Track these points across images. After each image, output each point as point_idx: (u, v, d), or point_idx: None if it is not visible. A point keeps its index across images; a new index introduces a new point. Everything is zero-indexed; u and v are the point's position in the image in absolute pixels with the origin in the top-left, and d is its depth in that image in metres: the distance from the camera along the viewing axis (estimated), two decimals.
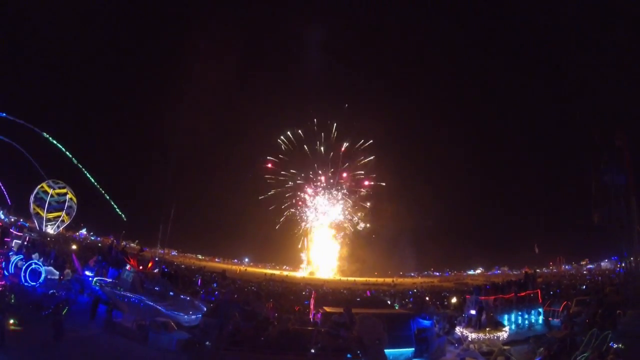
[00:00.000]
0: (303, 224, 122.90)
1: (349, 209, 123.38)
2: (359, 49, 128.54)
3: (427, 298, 57.46)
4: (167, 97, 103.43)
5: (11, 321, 24.62)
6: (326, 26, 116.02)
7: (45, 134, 66.43)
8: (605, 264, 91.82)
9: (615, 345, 23.78)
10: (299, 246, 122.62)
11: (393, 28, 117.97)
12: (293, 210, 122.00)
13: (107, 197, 72.90)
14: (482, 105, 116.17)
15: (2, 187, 66.38)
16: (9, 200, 65.93)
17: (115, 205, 73.72)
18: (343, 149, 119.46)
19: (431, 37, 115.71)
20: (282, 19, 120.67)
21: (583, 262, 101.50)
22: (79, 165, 69.54)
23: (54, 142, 67.74)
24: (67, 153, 68.29)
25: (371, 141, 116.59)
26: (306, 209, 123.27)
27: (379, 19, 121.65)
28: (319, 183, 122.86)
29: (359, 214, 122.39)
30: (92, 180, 71.09)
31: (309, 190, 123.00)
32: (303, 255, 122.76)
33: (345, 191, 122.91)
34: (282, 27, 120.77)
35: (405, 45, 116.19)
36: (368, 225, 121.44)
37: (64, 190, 68.91)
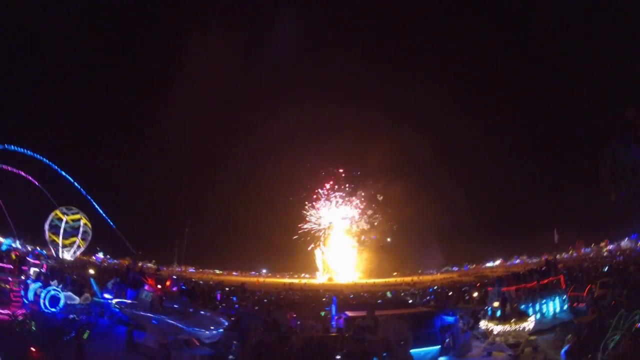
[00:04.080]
0: (319, 230, 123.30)
1: (366, 211, 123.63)
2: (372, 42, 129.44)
3: (449, 294, 57.03)
4: (180, 111, 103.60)
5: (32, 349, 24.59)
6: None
7: (54, 165, 66.80)
8: (625, 243, 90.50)
9: None
10: (314, 251, 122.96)
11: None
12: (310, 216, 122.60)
13: (119, 232, 73.09)
14: (492, 91, 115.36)
15: (8, 218, 66.34)
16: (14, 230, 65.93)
17: (126, 241, 73.89)
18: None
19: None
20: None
21: (602, 244, 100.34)
22: (89, 197, 69.85)
23: (63, 173, 68.11)
24: (76, 184, 68.72)
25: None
26: (323, 213, 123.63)
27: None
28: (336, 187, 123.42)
29: (377, 216, 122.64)
30: (102, 214, 71.33)
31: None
32: (319, 262, 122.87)
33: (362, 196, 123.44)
34: None
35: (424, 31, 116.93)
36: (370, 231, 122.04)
37: (78, 216, 69.42)
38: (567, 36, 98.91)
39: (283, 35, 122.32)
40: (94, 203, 70.25)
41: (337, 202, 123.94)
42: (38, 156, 64.50)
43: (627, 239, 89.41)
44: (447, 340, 30.00)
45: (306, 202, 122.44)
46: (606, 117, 36.99)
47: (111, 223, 71.87)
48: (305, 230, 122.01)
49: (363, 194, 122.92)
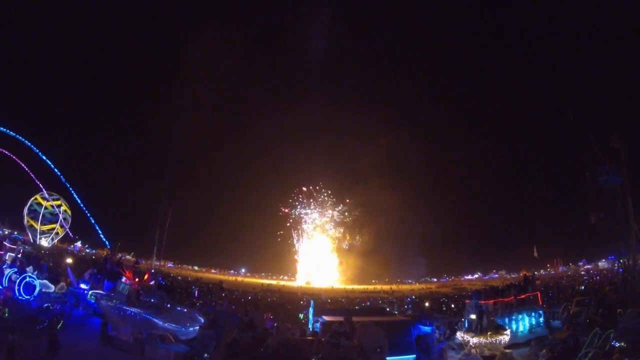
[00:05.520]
0: (299, 237, 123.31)
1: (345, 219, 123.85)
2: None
3: (427, 304, 57.20)
4: (163, 106, 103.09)
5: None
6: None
7: (35, 148, 65.37)
8: (602, 263, 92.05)
9: (617, 344, 23.62)
10: (295, 256, 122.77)
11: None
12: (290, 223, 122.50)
13: (93, 221, 71.69)
14: (476, 109, 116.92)
15: None
16: None
17: (100, 232, 72.46)
18: None
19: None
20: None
21: (580, 263, 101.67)
22: (67, 184, 68.41)
23: (44, 158, 66.67)
24: (56, 170, 67.23)
25: None
26: (303, 219, 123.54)
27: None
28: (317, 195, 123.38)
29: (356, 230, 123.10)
30: (80, 203, 70.04)
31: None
32: (299, 265, 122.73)
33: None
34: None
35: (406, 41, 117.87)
36: (358, 238, 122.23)
37: (58, 202, 68.16)
38: (557, 63, 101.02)
39: (274, 41, 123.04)
40: (72, 190, 68.98)
41: (320, 207, 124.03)
42: (21, 138, 63.23)
43: (604, 260, 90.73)
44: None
45: (292, 204, 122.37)
46: (591, 142, 37.40)
47: (86, 211, 70.58)
48: (287, 233, 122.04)
49: (348, 200, 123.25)
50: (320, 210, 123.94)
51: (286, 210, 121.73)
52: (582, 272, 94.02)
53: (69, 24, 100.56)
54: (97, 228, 70.31)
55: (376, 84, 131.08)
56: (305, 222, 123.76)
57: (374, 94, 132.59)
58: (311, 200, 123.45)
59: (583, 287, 55.25)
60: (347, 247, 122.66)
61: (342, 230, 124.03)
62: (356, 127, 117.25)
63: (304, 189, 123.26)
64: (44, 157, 65.59)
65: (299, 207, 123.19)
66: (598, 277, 71.33)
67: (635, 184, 34.78)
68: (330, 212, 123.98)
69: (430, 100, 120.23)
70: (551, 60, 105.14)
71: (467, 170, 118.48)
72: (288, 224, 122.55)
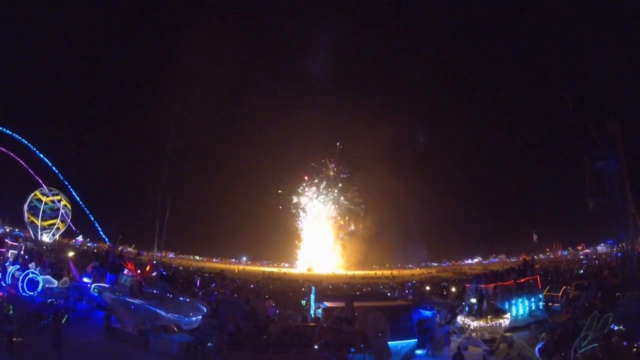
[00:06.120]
0: (300, 221, 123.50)
1: (347, 204, 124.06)
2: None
3: (427, 288, 57.57)
4: (163, 96, 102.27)
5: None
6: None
7: (31, 146, 65.15)
8: (601, 248, 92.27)
9: (616, 327, 23.85)
10: (298, 243, 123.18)
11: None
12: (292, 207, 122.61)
13: (92, 218, 71.75)
14: (473, 92, 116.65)
15: None
16: None
17: (100, 228, 72.45)
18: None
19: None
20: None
21: (579, 247, 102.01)
22: (65, 182, 68.40)
23: (41, 155, 66.49)
24: (54, 168, 67.15)
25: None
26: (304, 205, 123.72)
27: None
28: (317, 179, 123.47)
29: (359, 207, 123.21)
30: (78, 199, 70.09)
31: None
32: (300, 252, 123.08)
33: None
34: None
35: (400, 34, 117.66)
36: (361, 226, 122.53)
37: (58, 197, 67.94)
38: (557, 48, 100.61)
39: (274, 28, 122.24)
40: (69, 187, 68.94)
41: (322, 193, 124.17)
42: (17, 136, 62.97)
43: (603, 244, 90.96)
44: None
45: (294, 190, 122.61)
46: (588, 127, 37.37)
47: (85, 208, 70.66)
48: (289, 219, 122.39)
49: (356, 187, 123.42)
50: (322, 196, 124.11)
51: (281, 195, 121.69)
52: (581, 257, 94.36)
53: (64, 16, 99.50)
54: (97, 224, 70.81)
55: (377, 68, 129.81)
56: (307, 208, 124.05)
57: (376, 78, 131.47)
58: (313, 186, 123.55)
59: (582, 271, 55.77)
60: (350, 231, 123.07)
61: (346, 217, 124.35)
62: (358, 113, 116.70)
63: (306, 177, 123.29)
64: (41, 155, 65.63)
65: (301, 193, 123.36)
66: (597, 261, 71.63)
67: (633, 168, 34.87)
68: (332, 198, 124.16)
69: (433, 86, 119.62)
70: (551, 45, 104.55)
71: (468, 156, 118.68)
72: (289, 213, 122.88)
